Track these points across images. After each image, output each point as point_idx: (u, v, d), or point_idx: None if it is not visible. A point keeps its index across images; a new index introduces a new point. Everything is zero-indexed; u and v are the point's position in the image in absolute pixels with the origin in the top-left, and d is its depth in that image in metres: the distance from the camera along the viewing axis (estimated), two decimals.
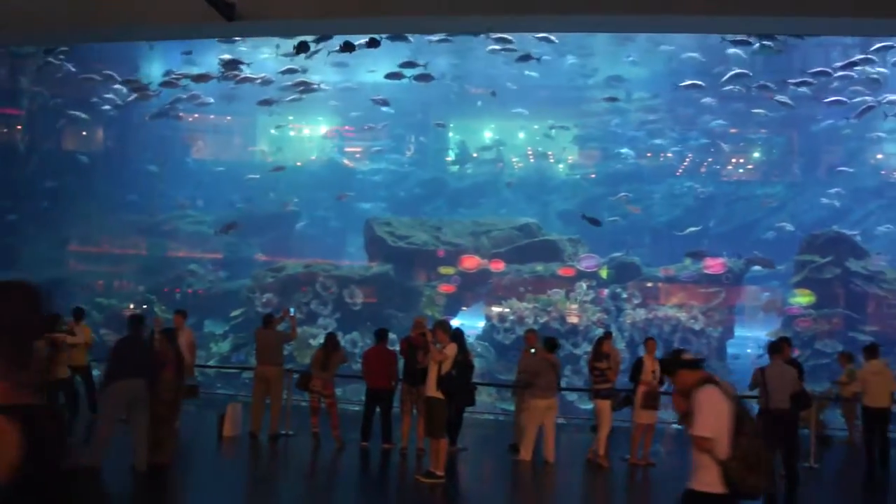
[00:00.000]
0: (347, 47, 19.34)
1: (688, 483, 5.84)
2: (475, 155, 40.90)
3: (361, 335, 24.97)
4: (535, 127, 38.51)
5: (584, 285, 26.22)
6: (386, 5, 10.39)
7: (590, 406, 17.59)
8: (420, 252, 28.18)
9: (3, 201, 30.50)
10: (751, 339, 27.57)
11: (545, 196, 39.32)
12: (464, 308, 28.12)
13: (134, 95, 30.41)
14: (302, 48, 18.48)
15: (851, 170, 35.07)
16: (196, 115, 36.79)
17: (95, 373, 14.74)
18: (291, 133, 40.72)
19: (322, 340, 15.41)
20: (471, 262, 27.56)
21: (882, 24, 10.24)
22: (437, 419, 11.23)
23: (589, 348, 20.73)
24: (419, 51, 29.00)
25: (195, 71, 29.65)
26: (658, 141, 38.75)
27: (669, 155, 39.21)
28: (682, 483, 5.80)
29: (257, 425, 13.84)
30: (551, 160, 40.67)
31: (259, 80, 29.63)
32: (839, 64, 28.26)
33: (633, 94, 35.85)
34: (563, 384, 16.57)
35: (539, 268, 27.04)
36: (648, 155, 39.18)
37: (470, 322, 25.90)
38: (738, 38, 24.21)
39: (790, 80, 28.89)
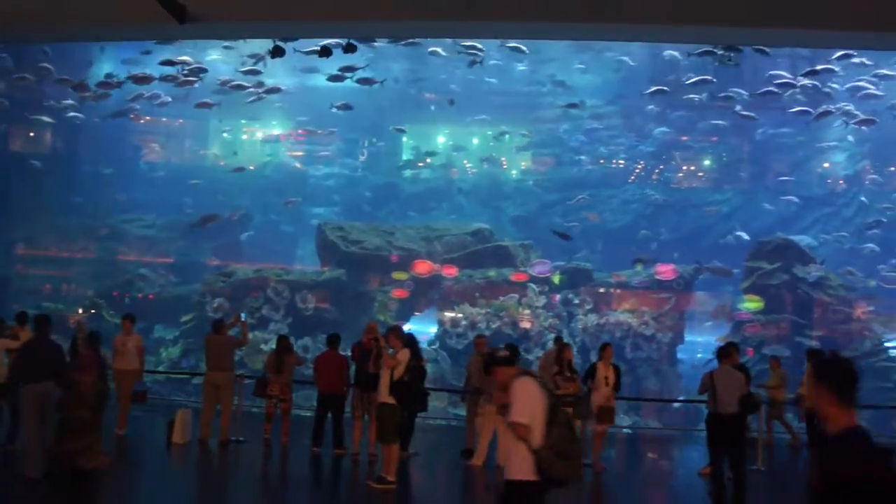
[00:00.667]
0: (325, 52, 19.12)
1: (505, 475, 6.12)
2: (428, 160, 40.88)
3: (313, 340, 24.81)
4: (489, 132, 38.61)
5: (537, 290, 26.32)
6: (339, 9, 10.36)
7: None
8: (372, 257, 28.07)
9: None
10: (701, 344, 27.86)
11: (498, 202, 39.37)
12: (416, 313, 28.06)
13: (85, 95, 29.95)
14: (277, 52, 18.28)
15: (792, 178, 35.79)
16: (148, 118, 36.34)
17: None
18: (244, 136, 40.41)
19: (274, 345, 15.34)
20: (423, 268, 27.53)
21: (832, 36, 10.45)
22: (390, 425, 11.20)
23: (541, 353, 20.93)
24: (381, 55, 28.95)
25: (152, 73, 29.23)
26: (610, 148, 39.05)
27: (621, 162, 39.52)
28: (633, 486, 5.88)
29: (207, 432, 13.71)
30: (504, 166, 40.83)
31: (197, 82, 29.26)
32: (792, 75, 28.77)
33: (587, 102, 36.04)
34: None
35: (491, 273, 27.08)
36: (601, 161, 39.44)
37: (422, 327, 25.88)
38: (704, 48, 24.48)
39: (739, 90, 29.37)
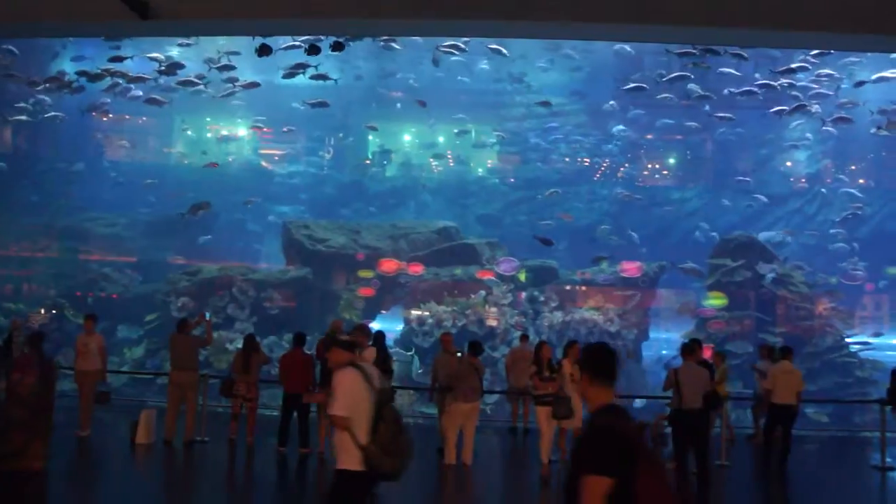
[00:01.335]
0: (313, 50, 18.96)
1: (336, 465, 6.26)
2: (395, 158, 40.87)
3: (279, 339, 24.70)
4: (455, 131, 38.67)
5: (503, 287, 26.38)
6: (305, 7, 10.30)
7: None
8: (338, 255, 28.03)
9: None
10: (665, 340, 28.07)
11: (464, 199, 39.47)
12: (383, 311, 28.08)
13: (39, 90, 29.57)
14: (263, 51, 18.09)
15: (750, 179, 36.32)
16: (111, 116, 35.97)
17: None
18: (208, 135, 40.14)
19: (240, 344, 15.24)
20: (389, 266, 27.53)
21: (796, 36, 10.56)
22: None
23: (507, 351, 20.98)
24: (350, 52, 28.83)
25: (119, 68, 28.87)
26: (576, 146, 39.26)
27: (587, 160, 39.74)
28: None
29: (171, 432, 13.59)
30: (470, 164, 40.93)
31: (152, 80, 28.98)
32: (758, 75, 29.09)
33: (553, 100, 36.15)
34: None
35: (458, 271, 27.12)
36: (566, 160, 39.66)
37: (388, 325, 25.85)
38: (683, 48, 24.68)
39: (695, 87, 29.64)
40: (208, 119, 38.55)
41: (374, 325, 20.53)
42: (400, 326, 26.54)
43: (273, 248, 33.69)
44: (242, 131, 40.07)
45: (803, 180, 37.53)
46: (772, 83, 28.42)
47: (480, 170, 41.26)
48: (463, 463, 12.60)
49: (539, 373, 12.65)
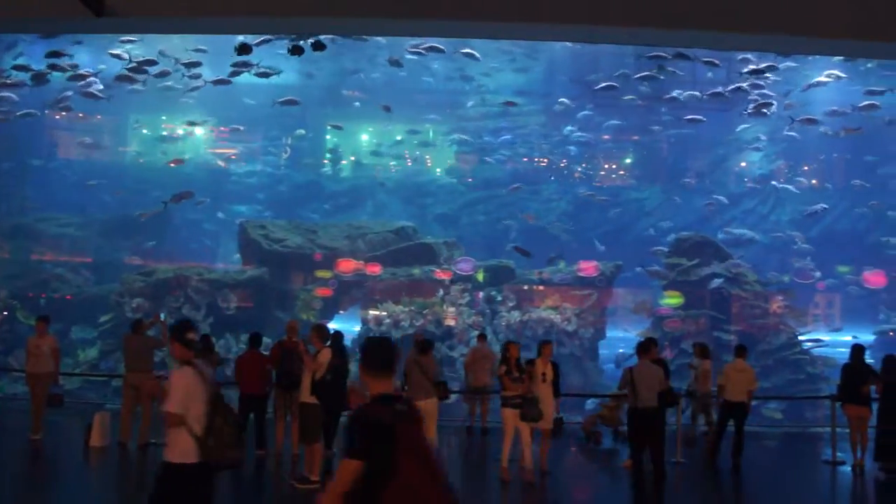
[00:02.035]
0: (296, 50, 18.79)
1: (163, 456, 6.48)
2: (352, 158, 40.76)
3: (235, 340, 24.53)
4: (413, 130, 38.64)
5: (460, 288, 26.43)
6: (260, 6, 10.25)
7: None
8: (295, 255, 27.89)
9: None
10: (622, 339, 28.28)
11: (421, 199, 39.46)
12: (340, 312, 27.99)
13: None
14: (243, 50, 17.91)
15: (692, 181, 37.11)
16: (64, 113, 35.42)
17: None
18: (164, 133, 39.70)
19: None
20: (347, 266, 27.45)
21: (753, 39, 10.70)
22: (312, 425, 11.13)
23: (465, 350, 21.01)
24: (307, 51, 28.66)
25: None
26: (533, 146, 39.43)
27: (544, 160, 39.91)
28: (557, 480, 5.92)
29: (126, 434, 13.45)
30: (429, 164, 40.95)
31: (91, 77, 28.55)
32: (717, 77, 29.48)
33: (511, 100, 36.18)
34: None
35: (415, 271, 27.11)
36: (524, 160, 39.80)
37: (346, 325, 25.77)
38: (654, 52, 24.96)
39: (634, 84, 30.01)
40: (164, 117, 38.11)
41: (332, 326, 20.43)
42: (357, 327, 26.50)
43: (229, 248, 33.43)
44: (199, 130, 39.64)
45: (755, 181, 37.97)
46: (723, 91, 28.87)
47: (438, 170, 41.26)
48: None
49: (508, 373, 12.24)
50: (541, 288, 27.36)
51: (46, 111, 32.70)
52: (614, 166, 41.26)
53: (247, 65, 26.39)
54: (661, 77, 28.77)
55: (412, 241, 29.10)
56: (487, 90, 36.52)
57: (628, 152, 40.72)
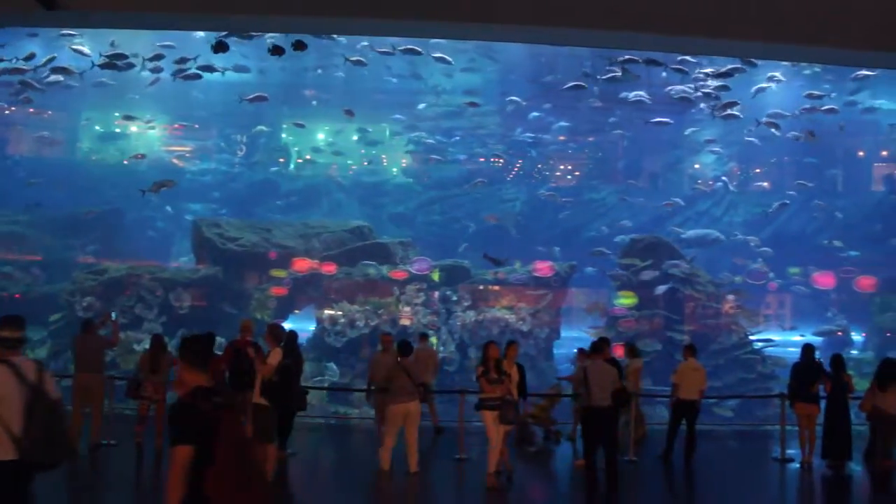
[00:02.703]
0: (277, 50, 18.51)
1: None
2: (308, 157, 40.55)
3: None
4: (369, 130, 38.56)
5: (416, 287, 26.41)
6: (219, 2, 10.16)
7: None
8: (250, 254, 27.68)
9: None
10: (576, 339, 28.42)
11: (377, 199, 39.40)
12: (295, 311, 27.84)
13: None
14: (220, 47, 17.64)
15: (641, 185, 37.92)
16: (13, 108, 34.84)
17: None
18: (117, 130, 39.17)
19: (148, 344, 14.95)
20: (302, 265, 27.32)
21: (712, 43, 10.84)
22: (263, 425, 11.04)
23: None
24: (261, 48, 28.44)
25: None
26: (489, 146, 39.52)
27: (500, 160, 40.01)
28: (515, 480, 5.92)
29: (77, 436, 13.24)
30: (384, 163, 40.90)
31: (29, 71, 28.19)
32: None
33: (468, 100, 36.25)
34: None
35: (371, 270, 27.03)
36: (481, 160, 39.86)
37: (301, 325, 25.63)
38: (627, 55, 25.16)
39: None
40: (116, 114, 37.61)
41: (287, 325, 20.31)
42: (312, 326, 26.37)
43: (183, 246, 33.10)
44: (155, 128, 39.13)
45: (711, 182, 38.38)
46: (685, 94, 29.19)
47: (394, 169, 41.23)
48: (408, 470, 12.20)
49: (486, 374, 11.71)
50: (496, 288, 27.42)
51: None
52: (570, 167, 41.51)
53: (185, 61, 26.24)
54: (620, 76, 28.95)
55: (368, 241, 29.05)
56: (444, 90, 36.54)
57: (584, 153, 40.98)
